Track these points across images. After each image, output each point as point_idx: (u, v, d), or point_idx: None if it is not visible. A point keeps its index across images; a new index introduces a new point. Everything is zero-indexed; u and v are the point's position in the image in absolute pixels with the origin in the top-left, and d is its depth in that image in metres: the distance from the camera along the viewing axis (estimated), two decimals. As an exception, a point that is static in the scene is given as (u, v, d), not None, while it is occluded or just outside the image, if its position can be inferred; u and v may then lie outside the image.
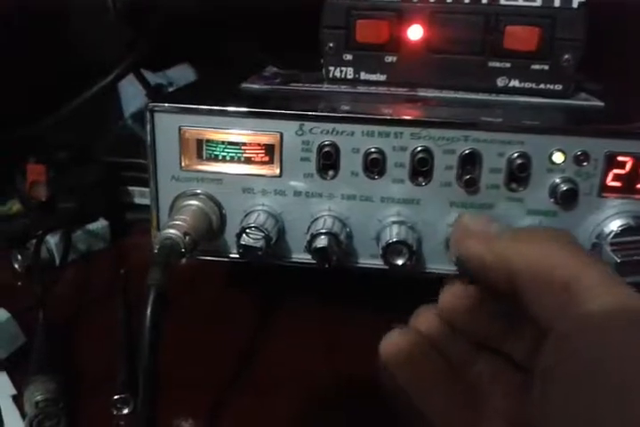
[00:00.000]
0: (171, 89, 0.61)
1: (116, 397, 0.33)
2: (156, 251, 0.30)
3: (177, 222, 0.32)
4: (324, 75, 0.40)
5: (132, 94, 0.60)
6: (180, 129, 0.33)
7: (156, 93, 0.56)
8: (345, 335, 0.39)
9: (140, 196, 0.51)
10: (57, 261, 0.45)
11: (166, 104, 0.33)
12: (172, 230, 0.31)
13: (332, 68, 0.40)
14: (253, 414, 0.33)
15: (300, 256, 0.35)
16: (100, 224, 0.47)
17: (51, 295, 0.41)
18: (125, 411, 0.33)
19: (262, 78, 0.41)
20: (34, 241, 0.43)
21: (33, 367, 0.33)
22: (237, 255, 0.34)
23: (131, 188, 0.52)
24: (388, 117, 0.33)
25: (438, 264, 0.35)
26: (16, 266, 0.44)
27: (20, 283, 0.43)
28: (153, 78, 0.60)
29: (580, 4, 0.36)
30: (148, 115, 0.33)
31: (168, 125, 0.34)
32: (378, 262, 0.34)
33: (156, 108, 0.33)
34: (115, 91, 0.61)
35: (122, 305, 0.39)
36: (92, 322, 0.39)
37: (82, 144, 0.51)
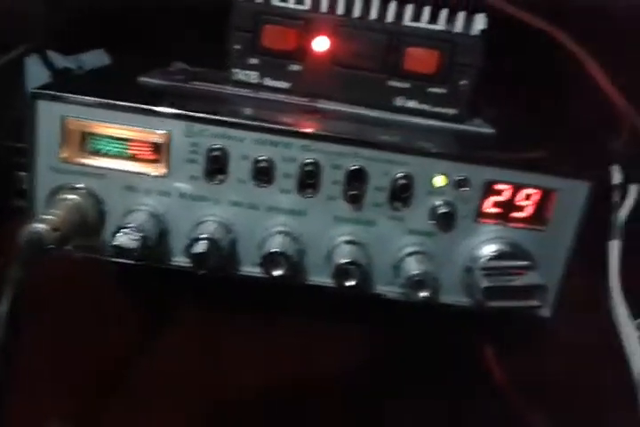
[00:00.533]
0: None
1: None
2: (20, 245, 0.29)
3: (48, 217, 0.30)
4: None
5: (37, 76, 0.57)
6: (62, 119, 0.32)
7: (62, 78, 0.53)
8: (226, 339, 0.39)
9: (30, 182, 0.49)
10: None
11: (50, 91, 0.32)
12: (40, 225, 0.30)
13: (236, 71, 0.39)
14: (128, 418, 0.32)
15: (181, 260, 0.35)
16: (-20, 210, 0.45)
17: None
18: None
19: (164, 73, 0.40)
20: None
21: None
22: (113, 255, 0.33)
23: (21, 173, 0.50)
24: (279, 127, 0.32)
25: (319, 276, 0.35)
26: None
27: None
28: (63, 61, 0.58)
29: (480, 32, 0.37)
30: (29, 101, 0.32)
31: (50, 114, 0.32)
32: (259, 271, 0.34)
33: (39, 95, 0.32)
34: (22, 71, 0.58)
35: None
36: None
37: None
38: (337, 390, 0.35)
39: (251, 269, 0.35)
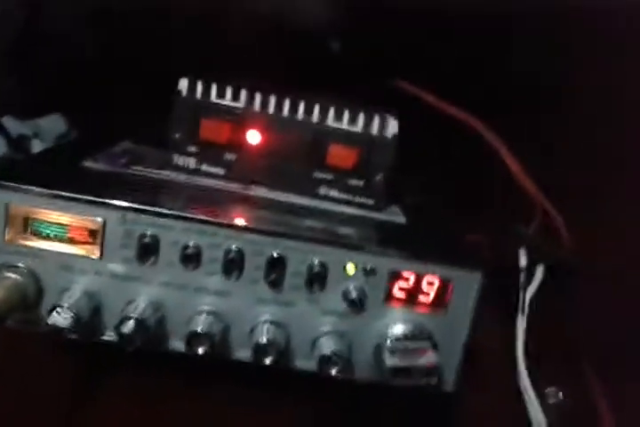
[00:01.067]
0: (35, 141, 0.61)
1: None
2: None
3: (-14, 297, 0.33)
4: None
5: (-9, 141, 0.59)
6: (7, 205, 0.35)
7: (17, 146, 0.56)
8: (155, 409, 0.41)
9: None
10: None
11: (-4, 180, 0.35)
12: (-23, 304, 0.32)
13: (176, 157, 0.43)
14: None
15: (113, 335, 0.37)
16: None
17: None
18: None
19: (108, 157, 0.44)
20: None
21: None
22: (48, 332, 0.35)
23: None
24: (205, 219, 0.36)
25: (242, 353, 0.38)
26: None
27: None
28: (19, 127, 0.60)
29: (394, 135, 0.41)
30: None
31: (-4, 200, 0.35)
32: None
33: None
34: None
35: None
36: None
37: None
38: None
39: (179, 345, 0.38)
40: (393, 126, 0.41)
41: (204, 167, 0.43)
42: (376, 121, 0.41)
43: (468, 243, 0.41)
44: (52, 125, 0.65)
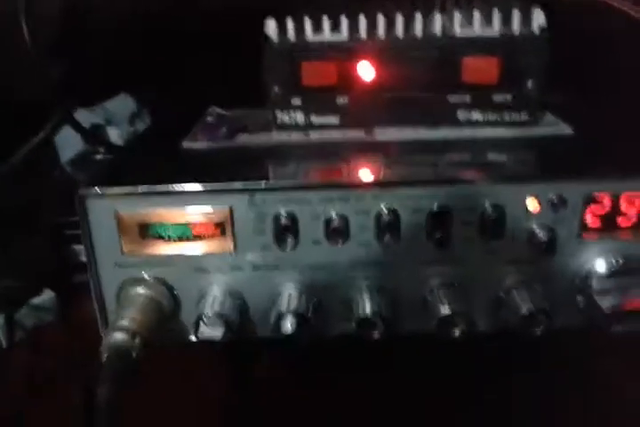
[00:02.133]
0: (110, 128, 0.57)
1: None
2: (104, 361, 0.27)
3: (124, 323, 0.28)
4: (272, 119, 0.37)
5: (66, 138, 0.55)
6: (116, 213, 0.30)
7: (93, 138, 0.52)
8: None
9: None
10: (3, 344, 0.41)
11: (98, 189, 0.29)
12: (119, 335, 0.28)
13: (279, 114, 0.37)
14: None
15: (267, 333, 0.32)
16: (46, 297, 0.43)
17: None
18: None
19: (206, 130, 0.38)
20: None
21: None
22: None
23: (75, 246, 0.48)
24: (346, 182, 0.29)
25: (415, 325, 0.32)
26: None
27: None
28: (89, 116, 0.56)
29: (542, 30, 0.33)
30: (78, 202, 0.30)
31: (103, 210, 0.30)
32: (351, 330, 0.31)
33: (88, 195, 0.30)
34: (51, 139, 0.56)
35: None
36: (46, 409, 0.36)
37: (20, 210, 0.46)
38: None
39: (344, 328, 0.32)
40: (538, 18, 0.32)
41: (314, 119, 0.36)
42: (516, 16, 0.33)
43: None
44: (122, 107, 0.60)
